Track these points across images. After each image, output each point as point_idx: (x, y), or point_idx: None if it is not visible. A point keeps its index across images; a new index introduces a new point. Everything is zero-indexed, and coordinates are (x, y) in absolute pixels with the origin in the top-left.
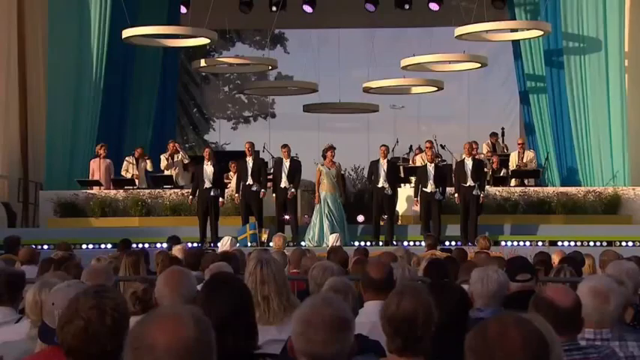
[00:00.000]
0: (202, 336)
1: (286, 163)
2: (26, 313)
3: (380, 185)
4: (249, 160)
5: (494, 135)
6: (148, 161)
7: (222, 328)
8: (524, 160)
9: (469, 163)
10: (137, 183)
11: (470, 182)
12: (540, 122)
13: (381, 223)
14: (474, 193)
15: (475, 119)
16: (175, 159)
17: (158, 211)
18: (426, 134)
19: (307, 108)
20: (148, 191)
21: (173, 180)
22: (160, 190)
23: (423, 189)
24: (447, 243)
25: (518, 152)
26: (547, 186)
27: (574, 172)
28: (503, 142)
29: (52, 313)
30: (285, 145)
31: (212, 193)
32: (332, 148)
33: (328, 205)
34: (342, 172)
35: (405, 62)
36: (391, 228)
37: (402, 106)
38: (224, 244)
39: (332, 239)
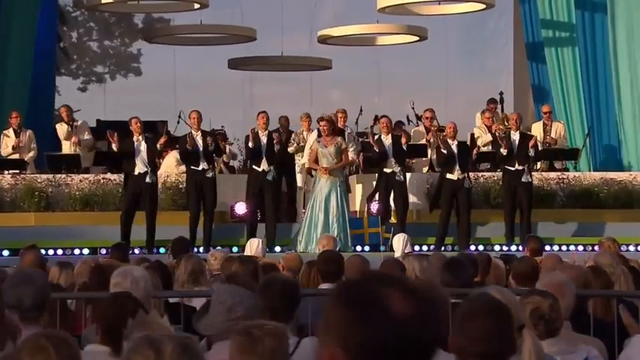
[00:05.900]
0: None
1: (264, 138)
2: None
3: (388, 170)
4: (197, 136)
5: (492, 102)
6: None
7: None
8: (554, 136)
9: (516, 138)
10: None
11: (517, 165)
12: (561, 85)
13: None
14: (522, 179)
15: (454, 81)
16: (75, 125)
17: (62, 205)
18: (390, 101)
19: (235, 63)
20: (46, 177)
21: (79, 160)
22: (64, 176)
23: (448, 176)
24: (472, 247)
25: (544, 124)
26: (577, 170)
27: (614, 152)
28: (502, 110)
29: None
30: (263, 112)
31: (148, 180)
32: (323, 119)
33: (322, 195)
34: (346, 147)
35: (383, 2)
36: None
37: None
38: (254, 250)
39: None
